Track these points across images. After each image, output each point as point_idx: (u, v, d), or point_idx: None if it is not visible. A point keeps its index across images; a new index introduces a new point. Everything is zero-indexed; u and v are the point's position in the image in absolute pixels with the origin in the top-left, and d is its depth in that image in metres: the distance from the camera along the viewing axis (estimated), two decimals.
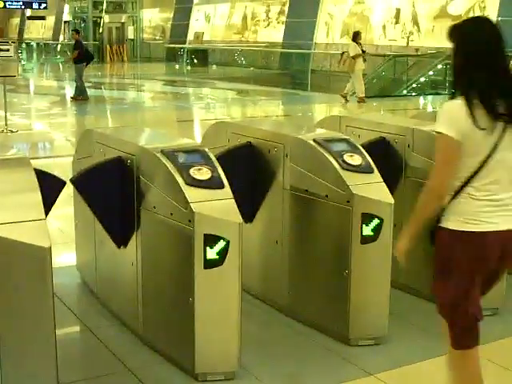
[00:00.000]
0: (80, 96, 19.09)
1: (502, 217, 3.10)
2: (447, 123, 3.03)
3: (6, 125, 13.69)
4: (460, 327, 3.17)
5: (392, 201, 4.34)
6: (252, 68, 28.49)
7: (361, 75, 19.11)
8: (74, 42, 19.98)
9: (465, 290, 3.17)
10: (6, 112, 14.01)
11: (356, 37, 19.39)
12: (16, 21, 57.50)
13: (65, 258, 5.91)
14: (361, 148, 4.55)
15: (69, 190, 4.54)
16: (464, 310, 3.19)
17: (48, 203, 3.84)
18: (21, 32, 55.43)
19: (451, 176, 3.08)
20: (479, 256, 3.12)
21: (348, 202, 4.26)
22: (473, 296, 3.20)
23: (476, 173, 3.07)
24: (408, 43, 25.60)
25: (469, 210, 3.10)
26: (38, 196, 3.39)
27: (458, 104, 3.02)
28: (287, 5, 31.54)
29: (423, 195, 3.20)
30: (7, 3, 30.73)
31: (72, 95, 19.33)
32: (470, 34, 3.11)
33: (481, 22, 3.19)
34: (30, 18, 46.90)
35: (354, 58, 18.77)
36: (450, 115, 3.05)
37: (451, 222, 3.14)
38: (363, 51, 19.15)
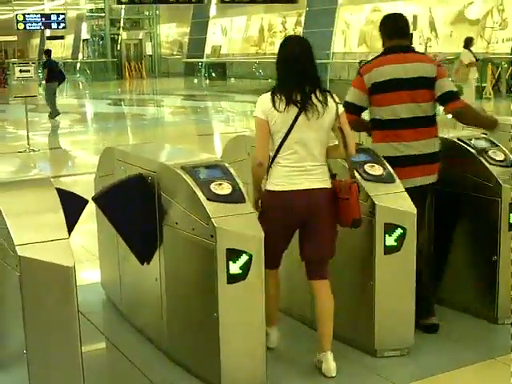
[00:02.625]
0: (54, 114, 18.92)
1: (304, 179, 4.03)
2: (259, 108, 4.04)
3: (29, 144, 13.80)
4: (268, 255, 3.90)
5: (415, 210, 4.32)
6: (270, 80, 28.56)
7: (473, 85, 17.57)
8: (89, 59, 20.02)
9: (275, 232, 4.05)
10: (28, 131, 14.13)
11: (468, 43, 17.42)
12: (36, 41, 58.04)
13: (89, 275, 5.94)
14: (381, 158, 4.53)
15: (91, 208, 4.56)
16: (273, 245, 4.02)
17: (71, 222, 3.86)
18: (41, 52, 55.88)
19: (266, 147, 4.04)
20: (287, 208, 4.05)
21: (370, 212, 4.25)
22: (280, 237, 4.18)
23: (280, 146, 4.02)
24: (426, 49, 25.54)
25: (278, 174, 4.04)
26: (61, 216, 3.41)
27: (267, 94, 4.04)
28: (303, 15, 31.60)
29: (251, 164, 4.16)
30: (27, 25, 31.01)
31: (49, 114, 19.14)
32: (283, 47, 4.14)
33: (292, 39, 4.43)
34: (49, 38, 47.28)
35: (468, 66, 17.04)
36: (261, 102, 4.05)
37: (268, 185, 4.09)
38: (476, 59, 17.53)
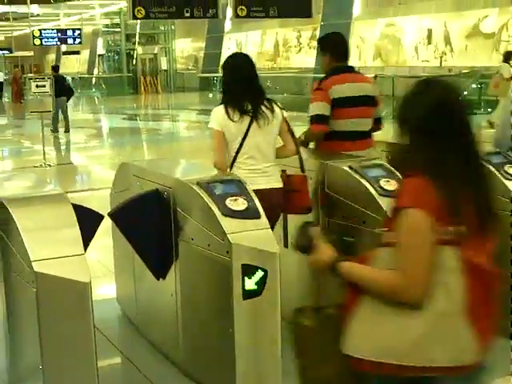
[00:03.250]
0: (55, 128, 18.88)
1: (264, 180, 4.43)
2: (214, 120, 4.44)
3: (45, 159, 13.87)
4: None
5: None
6: (285, 94, 28.61)
7: None
8: (105, 74, 20.12)
9: None
10: (43, 146, 14.20)
11: (508, 57, 16.59)
12: (52, 56, 58.43)
13: (105, 290, 5.95)
14: (397, 173, 4.52)
15: (107, 223, 4.58)
16: None
17: (87, 237, 3.88)
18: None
19: (223, 154, 4.46)
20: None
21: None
22: None
23: (237, 152, 4.43)
24: (441, 63, 25.51)
25: (241, 176, 4.21)
26: (77, 231, 3.43)
27: (221, 107, 4.44)
28: (318, 29, 31.66)
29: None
30: (43, 40, 31.24)
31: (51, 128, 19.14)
32: (230, 65, 4.64)
33: (236, 56, 5.01)
34: (65, 53, 47.64)
35: (508, 80, 16.09)
36: (216, 115, 4.45)
37: None
38: None
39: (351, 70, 5.28)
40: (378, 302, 2.27)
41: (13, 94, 31.98)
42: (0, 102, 35.07)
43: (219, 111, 4.44)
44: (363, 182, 4.40)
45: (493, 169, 4.73)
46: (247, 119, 4.42)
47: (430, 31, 26.18)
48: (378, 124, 5.28)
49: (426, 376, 2.21)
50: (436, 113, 2.31)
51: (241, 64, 4.61)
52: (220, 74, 36.86)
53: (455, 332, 2.21)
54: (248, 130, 4.41)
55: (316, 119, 5.00)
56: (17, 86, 31.99)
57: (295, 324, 2.58)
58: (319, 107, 5.01)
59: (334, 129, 5.01)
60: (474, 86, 22.04)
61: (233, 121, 4.39)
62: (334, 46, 5.23)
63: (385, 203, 4.28)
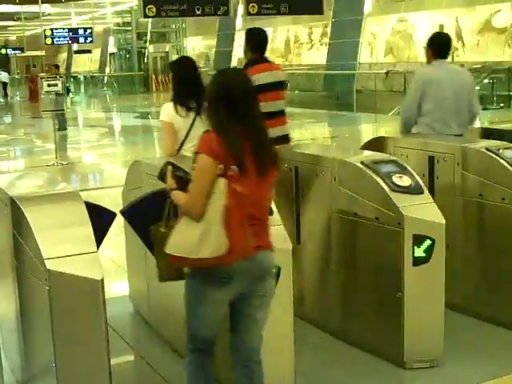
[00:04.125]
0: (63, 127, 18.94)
1: None
2: (164, 114, 5.10)
3: (57, 157, 13.91)
4: None
5: (443, 221, 4.29)
6: (296, 91, 28.57)
7: None
8: (116, 73, 20.14)
9: None
10: (56, 145, 14.24)
11: None
12: (63, 56, 58.62)
13: (117, 287, 5.96)
14: (409, 168, 4.51)
15: (120, 221, 4.58)
16: None
17: (99, 235, 3.88)
18: (68, 66, 56.45)
19: (173, 142, 5.02)
20: None
21: (399, 223, 4.23)
22: None
23: (184, 140, 5.02)
24: (453, 59, 25.41)
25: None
26: (90, 229, 3.43)
27: (170, 104, 5.09)
28: (329, 26, 31.59)
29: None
30: (55, 39, 31.22)
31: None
32: (178, 68, 5.26)
33: (183, 59, 5.75)
34: (76, 52, 47.69)
35: None
36: (166, 109, 5.11)
37: None
38: None
39: (266, 59, 6.22)
40: (186, 217, 3.19)
41: (30, 94, 32.06)
42: (5, 100, 35.32)
43: (169, 107, 5.11)
44: (376, 177, 4.39)
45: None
46: (192, 114, 5.04)
47: (441, 26, 26.05)
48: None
49: (222, 275, 3.19)
50: (219, 90, 3.27)
51: (185, 67, 5.25)
52: None
53: (215, 235, 3.08)
54: (193, 124, 5.03)
55: None
56: (34, 86, 32.10)
57: (156, 230, 3.56)
58: None
59: None
60: (486, 81, 21.94)
61: (180, 116, 5.03)
62: (250, 39, 6.21)
63: (398, 199, 4.27)
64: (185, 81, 5.09)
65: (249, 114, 3.26)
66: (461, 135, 5.69)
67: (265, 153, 3.26)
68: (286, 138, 6.07)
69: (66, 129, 19.12)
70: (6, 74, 39.68)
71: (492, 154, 4.84)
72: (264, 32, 6.33)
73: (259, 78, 5.63)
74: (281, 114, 6.08)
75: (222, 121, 3.21)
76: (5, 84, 38.16)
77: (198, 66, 5.24)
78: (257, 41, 6.21)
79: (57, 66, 21.10)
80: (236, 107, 3.21)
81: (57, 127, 18.24)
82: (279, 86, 6.05)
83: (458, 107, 5.74)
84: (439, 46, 5.91)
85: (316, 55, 32.82)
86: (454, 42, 25.29)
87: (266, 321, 3.43)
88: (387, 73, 23.90)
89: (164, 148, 5.19)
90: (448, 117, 5.70)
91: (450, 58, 5.85)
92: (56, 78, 14.50)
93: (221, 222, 3.09)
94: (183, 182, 3.32)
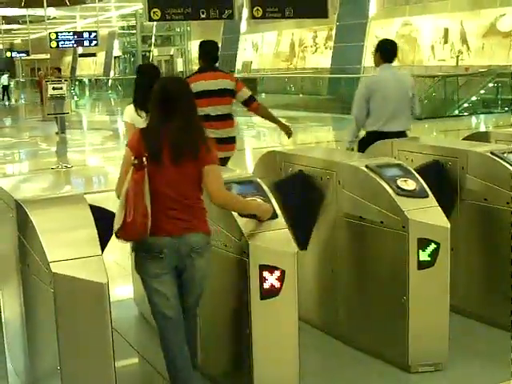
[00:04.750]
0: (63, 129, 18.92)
1: None
2: (127, 116, 5.55)
3: (62, 161, 13.92)
4: None
5: (448, 225, 4.29)
6: (301, 94, 28.59)
7: None
8: (121, 76, 20.10)
9: None
10: (57, 148, 14.26)
11: None
12: (68, 59, 58.75)
13: (122, 291, 5.96)
14: (414, 172, 4.51)
15: None
16: None
17: (104, 238, 3.89)
18: (73, 69, 56.56)
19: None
20: None
21: (404, 227, 4.22)
22: None
23: None
24: (458, 63, 25.41)
25: None
26: (94, 232, 3.43)
27: (131, 106, 5.51)
28: (334, 30, 31.62)
29: None
30: (60, 43, 31.28)
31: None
32: (140, 74, 5.73)
33: (144, 66, 6.43)
34: (81, 55, 47.81)
35: None
36: (128, 111, 5.55)
37: None
38: None
39: (215, 69, 6.71)
40: None
41: (41, 96, 32.22)
42: (3, 103, 35.47)
43: (130, 109, 5.55)
44: (380, 181, 4.39)
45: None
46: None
47: (446, 30, 26.09)
48: (252, 101, 6.77)
49: (153, 250, 3.67)
50: (156, 94, 3.73)
51: (145, 73, 5.68)
52: (236, 75, 37.02)
53: (118, 213, 3.58)
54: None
55: None
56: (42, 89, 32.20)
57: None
58: None
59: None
60: (490, 84, 21.92)
61: (140, 117, 5.35)
62: (200, 50, 6.80)
63: (402, 202, 4.27)
64: (145, 86, 5.29)
65: (178, 114, 3.65)
66: (403, 131, 6.29)
67: (180, 146, 3.62)
68: (229, 141, 6.61)
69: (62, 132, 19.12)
70: (6, 76, 39.92)
71: (496, 158, 4.83)
72: (215, 44, 6.92)
73: (201, 84, 6.36)
74: (223, 118, 6.56)
75: (152, 121, 3.75)
76: (5, 87, 38.34)
77: (158, 73, 5.65)
78: (206, 52, 6.75)
79: (59, 69, 21.07)
80: (168, 108, 3.65)
81: (58, 130, 18.39)
82: (221, 93, 6.53)
83: (401, 106, 6.34)
84: (386, 51, 6.49)
85: (321, 59, 32.84)
86: (459, 46, 25.33)
87: (197, 291, 3.86)
88: None
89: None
90: (392, 115, 6.29)
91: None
92: (61, 81, 14.52)
93: (123, 202, 3.57)
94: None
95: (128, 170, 3.60)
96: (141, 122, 5.24)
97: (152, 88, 4.99)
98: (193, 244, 3.70)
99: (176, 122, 3.65)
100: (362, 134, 6.54)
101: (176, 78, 4.11)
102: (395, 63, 6.55)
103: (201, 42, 6.92)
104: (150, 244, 3.67)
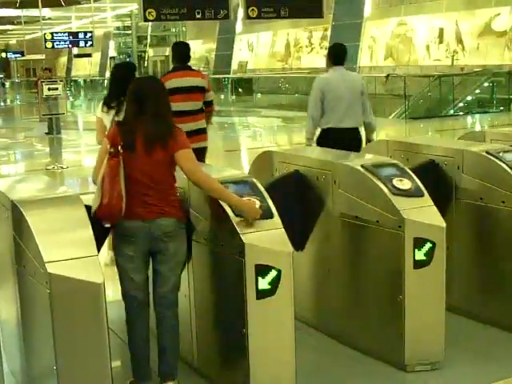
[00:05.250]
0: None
1: None
2: (98, 110, 6.12)
3: (57, 161, 13.90)
4: None
5: (444, 224, 4.30)
6: (297, 94, 28.58)
7: None
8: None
9: None
10: (52, 149, 14.23)
11: None
12: (64, 59, 58.69)
13: (118, 291, 5.93)
14: (410, 172, 4.52)
15: None
16: None
17: (100, 238, 3.89)
18: (68, 70, 56.51)
19: (102, 133, 5.59)
20: None
21: (400, 226, 4.23)
22: None
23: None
24: (453, 62, 25.44)
25: None
26: (90, 232, 3.44)
27: (101, 102, 6.11)
28: (329, 30, 31.63)
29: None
30: (55, 43, 31.26)
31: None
32: (111, 73, 6.53)
33: (119, 65, 6.89)
34: (76, 55, 47.78)
35: None
36: (99, 107, 6.12)
37: None
38: None
39: (187, 68, 7.23)
40: None
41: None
42: None
43: (100, 105, 6.16)
44: (376, 181, 4.39)
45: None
46: (113, 112, 5.95)
47: (441, 30, 26.12)
48: (209, 106, 7.37)
49: (125, 233, 3.92)
50: (131, 92, 4.06)
51: (114, 73, 6.37)
52: (231, 75, 37.10)
53: (95, 195, 3.83)
54: (113, 119, 5.80)
55: None
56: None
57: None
58: None
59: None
60: (486, 84, 21.95)
61: (106, 113, 6.02)
62: (172, 51, 7.40)
63: (398, 202, 4.27)
64: (111, 84, 6.24)
65: (148, 109, 3.96)
66: (356, 128, 6.94)
67: (151, 137, 3.92)
68: (200, 132, 7.21)
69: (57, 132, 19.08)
70: None
71: (492, 157, 4.84)
72: (187, 45, 7.57)
73: (173, 82, 6.89)
74: (194, 112, 7.15)
75: (128, 115, 4.06)
76: None
77: (127, 72, 6.14)
78: (179, 52, 7.33)
79: (49, 70, 21.00)
80: (143, 104, 3.96)
81: (53, 130, 18.32)
82: (192, 90, 7.10)
83: (352, 105, 6.87)
84: (336, 55, 7.07)
85: (316, 59, 32.84)
86: (454, 46, 25.36)
87: (172, 276, 4.08)
88: (387, 76, 23.89)
89: (97, 139, 6.13)
90: (344, 112, 6.83)
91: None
92: (56, 81, 14.50)
93: (100, 186, 3.84)
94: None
95: (104, 159, 3.90)
96: (106, 116, 6.02)
97: (117, 85, 5.94)
98: (164, 228, 3.93)
99: (148, 116, 3.95)
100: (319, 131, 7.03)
101: (151, 77, 4.73)
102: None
103: (173, 44, 7.59)
104: (124, 227, 3.91)
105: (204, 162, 6.75)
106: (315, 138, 7.00)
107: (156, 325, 4.16)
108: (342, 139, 6.65)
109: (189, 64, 7.34)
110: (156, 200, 3.94)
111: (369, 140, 7.08)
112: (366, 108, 7.04)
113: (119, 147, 3.87)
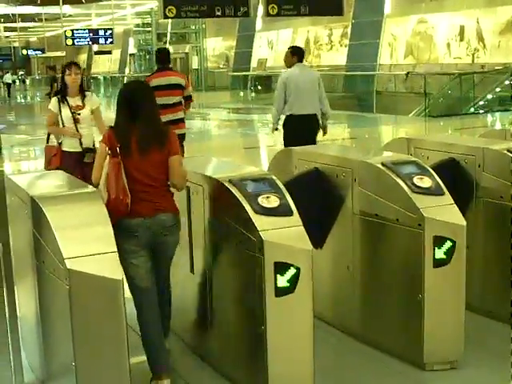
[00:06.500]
0: None
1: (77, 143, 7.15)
2: (51, 106, 7.05)
3: None
4: None
5: (464, 223, 4.27)
6: None
7: None
8: (136, 74, 20.15)
9: None
10: None
11: None
12: (84, 56, 58.87)
13: None
14: (430, 170, 4.49)
15: None
16: None
17: None
18: (88, 67, 56.70)
19: (52, 124, 7.11)
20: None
21: (419, 225, 4.20)
22: None
23: (63, 125, 7.07)
24: (474, 60, 25.28)
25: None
26: (109, 228, 3.44)
27: (55, 98, 7.09)
28: (350, 27, 31.53)
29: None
30: (75, 40, 31.41)
31: None
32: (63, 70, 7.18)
33: (67, 64, 7.24)
34: (96, 52, 47.93)
35: None
36: (52, 102, 7.06)
37: (64, 146, 7.15)
38: None
39: (168, 68, 8.90)
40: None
41: None
42: (9, 100, 35.91)
43: (54, 100, 7.02)
44: (396, 179, 4.37)
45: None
46: (66, 106, 6.98)
47: (462, 28, 25.94)
48: (189, 100, 8.90)
49: (128, 230, 4.04)
50: (119, 97, 4.30)
51: (66, 69, 7.09)
52: (251, 72, 37.06)
53: (101, 192, 4.02)
54: (60, 112, 6.98)
55: None
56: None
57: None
58: None
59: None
60: (507, 82, 21.78)
61: (59, 107, 6.95)
62: (157, 57, 9.02)
63: (418, 200, 4.25)
64: (63, 81, 7.14)
65: (141, 113, 4.20)
66: (314, 114, 8.38)
67: (146, 138, 4.16)
68: (178, 122, 8.52)
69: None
70: (9, 74, 40.87)
71: None
72: (167, 50, 9.44)
73: (156, 81, 8.43)
74: (173, 105, 8.50)
75: (118, 118, 4.26)
76: (9, 85, 39.00)
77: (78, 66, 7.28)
78: (159, 56, 9.00)
79: (53, 68, 21.10)
80: (133, 108, 4.20)
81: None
82: (172, 87, 8.57)
83: (310, 95, 8.38)
84: (299, 54, 8.71)
85: (336, 56, 32.75)
86: (475, 44, 25.19)
87: (166, 267, 4.37)
88: (407, 74, 23.77)
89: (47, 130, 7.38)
90: (303, 102, 8.32)
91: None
92: None
93: (105, 184, 4.13)
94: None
95: (102, 162, 4.19)
96: (59, 111, 6.98)
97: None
98: (163, 223, 4.16)
99: (142, 121, 4.19)
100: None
101: (139, 82, 4.84)
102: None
103: (156, 50, 9.63)
104: (126, 225, 4.05)
105: (183, 146, 8.18)
106: (280, 123, 8.55)
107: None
108: (303, 124, 8.29)
109: (170, 66, 9.10)
110: (153, 197, 4.14)
111: (323, 125, 8.55)
112: (322, 98, 8.48)
113: (117, 148, 4.10)
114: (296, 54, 8.65)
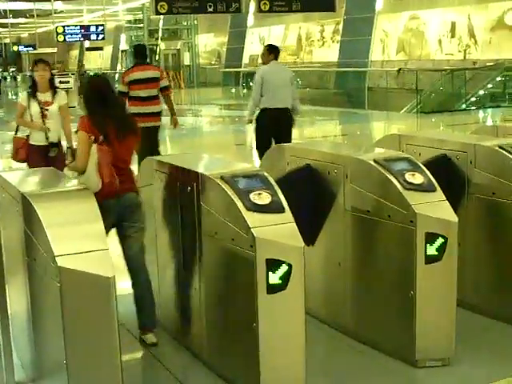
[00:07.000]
0: None
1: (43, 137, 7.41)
2: (20, 100, 7.53)
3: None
4: None
5: (456, 219, 4.27)
6: (308, 89, 28.48)
7: None
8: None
9: None
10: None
11: None
12: (75, 53, 58.77)
13: (129, 285, 5.93)
14: (422, 166, 4.49)
15: None
16: None
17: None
18: (80, 63, 56.55)
19: (21, 117, 7.37)
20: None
21: (411, 221, 4.20)
22: None
23: (31, 120, 7.29)
24: (465, 56, 25.32)
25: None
26: (101, 226, 3.43)
27: (24, 93, 7.39)
28: (341, 24, 31.53)
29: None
30: (67, 37, 31.30)
31: None
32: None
33: (37, 60, 7.55)
34: (88, 49, 47.83)
35: None
36: (22, 97, 7.47)
37: (31, 140, 7.37)
38: None
39: (145, 63, 9.63)
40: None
41: None
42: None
43: (24, 94, 7.38)
44: (388, 175, 4.37)
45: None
46: (35, 102, 7.22)
47: (453, 24, 25.99)
48: (166, 90, 9.59)
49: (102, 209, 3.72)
50: (88, 90, 4.79)
51: (34, 64, 7.37)
52: (243, 68, 37.03)
53: (93, 179, 4.40)
54: (29, 106, 7.26)
55: (122, 93, 9.05)
56: None
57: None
58: (121, 87, 9.35)
59: (132, 95, 9.13)
60: (498, 78, 21.84)
61: (28, 103, 7.23)
62: (136, 52, 9.75)
63: (410, 197, 4.25)
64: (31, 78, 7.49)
65: (110, 103, 4.68)
66: (287, 108, 9.10)
67: (122, 126, 4.64)
68: (158, 114, 9.47)
69: None
70: (0, 71, 41.17)
71: (505, 152, 4.81)
72: (144, 46, 10.44)
73: (135, 75, 9.24)
74: (152, 98, 9.31)
75: (92, 109, 4.65)
76: None
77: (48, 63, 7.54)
78: (137, 51, 9.72)
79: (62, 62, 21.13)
80: (103, 99, 4.65)
81: None
82: (149, 80, 9.27)
83: (283, 90, 9.10)
84: (275, 51, 9.38)
85: (328, 53, 32.77)
86: (467, 40, 25.23)
87: (140, 238, 4.75)
88: (399, 70, 23.79)
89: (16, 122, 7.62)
90: (276, 96, 9.04)
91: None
92: (68, 75, 14.55)
93: (96, 170, 4.42)
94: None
95: (87, 150, 4.49)
96: (27, 104, 7.24)
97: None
98: (132, 200, 4.67)
99: (115, 109, 4.71)
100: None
101: (103, 76, 5.42)
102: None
103: (134, 46, 10.33)
104: (103, 205, 4.07)
105: (159, 137, 9.50)
106: (255, 116, 9.28)
107: (132, 283, 4.83)
108: (276, 117, 9.03)
109: (147, 61, 9.91)
110: (125, 178, 4.63)
111: (293, 119, 9.24)
112: (294, 94, 9.25)
113: (101, 137, 4.51)
114: (273, 52, 9.34)
